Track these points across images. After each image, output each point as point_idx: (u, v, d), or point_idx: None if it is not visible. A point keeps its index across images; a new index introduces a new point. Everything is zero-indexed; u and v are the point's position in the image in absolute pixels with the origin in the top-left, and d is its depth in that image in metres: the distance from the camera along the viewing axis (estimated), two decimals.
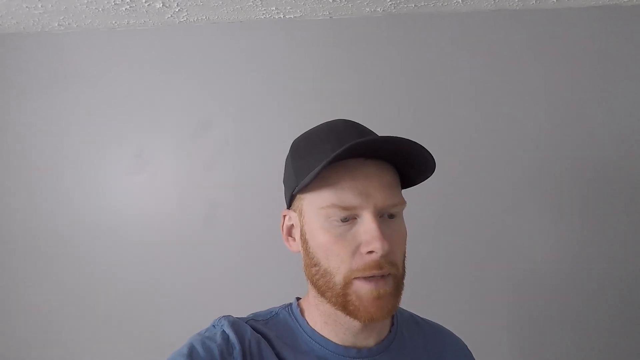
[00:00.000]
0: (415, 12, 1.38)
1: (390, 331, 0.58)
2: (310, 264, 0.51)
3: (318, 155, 0.50)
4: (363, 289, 0.46)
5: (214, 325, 0.53)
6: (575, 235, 1.32)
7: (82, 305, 1.41)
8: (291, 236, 0.57)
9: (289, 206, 0.57)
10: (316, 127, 0.57)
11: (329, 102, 1.41)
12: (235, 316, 0.56)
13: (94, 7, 1.33)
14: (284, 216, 0.58)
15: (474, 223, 1.35)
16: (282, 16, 1.42)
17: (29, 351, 1.41)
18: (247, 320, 0.55)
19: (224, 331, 0.51)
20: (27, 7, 1.32)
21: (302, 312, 0.57)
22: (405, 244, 0.53)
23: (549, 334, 1.31)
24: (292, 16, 1.42)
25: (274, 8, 1.36)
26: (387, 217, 0.50)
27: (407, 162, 0.51)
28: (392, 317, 0.59)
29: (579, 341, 1.30)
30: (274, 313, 0.58)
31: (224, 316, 0.55)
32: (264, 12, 1.38)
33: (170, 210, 1.40)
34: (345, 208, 0.47)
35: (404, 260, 0.52)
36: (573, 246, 1.32)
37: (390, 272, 0.47)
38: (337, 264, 0.48)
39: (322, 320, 0.54)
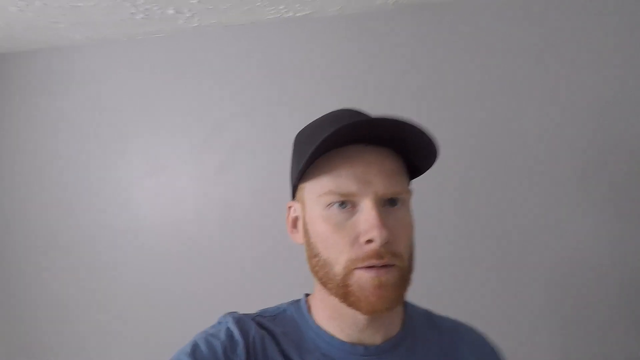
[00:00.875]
0: (426, 1, 1.32)
1: (401, 329, 0.54)
2: (311, 254, 0.50)
3: (315, 142, 0.47)
4: (363, 278, 0.44)
5: (219, 322, 0.53)
6: (612, 228, 1.20)
7: (99, 303, 1.46)
8: (296, 228, 0.55)
9: (293, 197, 0.56)
10: (321, 117, 0.56)
11: (343, 99, 1.38)
12: (242, 312, 0.55)
13: (112, 18, 1.39)
14: (289, 207, 0.57)
15: (511, 217, 1.26)
16: (292, 15, 1.41)
17: (50, 345, 1.48)
18: (254, 317, 0.54)
19: (228, 328, 0.51)
20: (52, 22, 1.41)
21: (309, 308, 0.55)
22: (412, 235, 0.49)
23: (589, 325, 1.19)
24: (302, 14, 1.41)
25: (283, 7, 1.35)
26: (390, 206, 0.47)
27: (409, 148, 0.49)
28: (404, 313, 0.56)
29: (616, 339, 1.17)
30: (281, 309, 0.57)
31: (229, 313, 0.54)
32: (273, 11, 1.38)
33: (186, 211, 1.42)
34: (343, 194, 0.46)
35: (411, 252, 0.49)
36: (610, 240, 1.20)
37: (393, 263, 0.45)
38: (336, 254, 0.46)
39: (328, 315, 0.52)
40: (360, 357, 0.50)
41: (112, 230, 1.46)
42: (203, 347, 0.48)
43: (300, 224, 0.54)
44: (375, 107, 1.24)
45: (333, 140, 0.45)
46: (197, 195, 1.43)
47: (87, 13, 1.34)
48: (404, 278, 0.47)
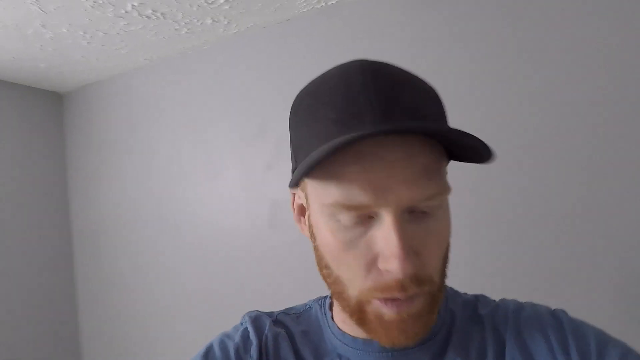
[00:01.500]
0: None
1: (435, 323, 0.44)
2: (321, 263, 0.42)
3: (318, 127, 0.37)
4: (382, 310, 0.36)
5: (241, 323, 0.52)
6: None
7: (164, 304, 1.58)
8: (303, 216, 0.46)
9: (295, 184, 0.43)
10: (326, 74, 0.41)
11: None
12: (266, 310, 0.54)
13: (161, 37, 1.50)
14: (293, 194, 0.47)
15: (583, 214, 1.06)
16: (323, 4, 1.37)
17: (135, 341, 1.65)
18: (277, 315, 0.52)
19: (245, 328, 0.50)
20: (115, 49, 1.57)
21: (331, 305, 0.50)
22: (447, 246, 0.39)
23: None
24: (333, 2, 1.36)
25: None
26: (419, 213, 0.37)
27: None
28: (442, 304, 0.46)
29: None
30: (307, 307, 0.53)
31: (249, 312, 0.53)
32: (304, 4, 1.36)
33: (238, 212, 1.48)
34: (353, 207, 0.35)
35: (444, 264, 0.39)
36: None
37: (420, 292, 0.36)
38: (349, 275, 0.38)
39: (341, 319, 0.47)
40: (377, 355, 0.43)
41: (176, 235, 1.58)
42: (216, 348, 0.48)
43: (306, 216, 0.45)
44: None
45: (347, 141, 0.32)
46: (248, 195, 1.47)
47: (139, 36, 1.47)
48: (434, 300, 0.38)
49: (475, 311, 0.47)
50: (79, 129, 1.94)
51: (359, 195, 0.34)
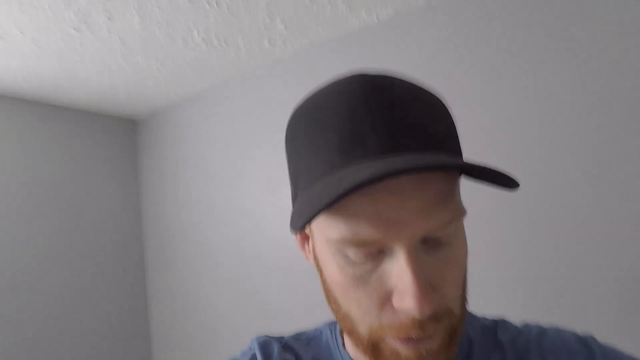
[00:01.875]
0: None
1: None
2: (329, 297, 0.38)
3: (319, 156, 0.34)
4: (398, 348, 0.33)
5: (249, 348, 0.51)
6: None
7: (230, 313, 1.66)
8: (307, 243, 0.42)
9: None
10: (324, 92, 0.37)
11: (447, 91, 1.30)
12: (276, 334, 0.53)
13: (223, 60, 1.63)
14: None
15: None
16: (375, 20, 1.41)
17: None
18: (287, 339, 0.51)
19: (254, 353, 0.49)
20: (182, 76, 1.72)
21: (342, 331, 0.47)
22: (465, 272, 0.36)
23: None
24: (385, 16, 1.39)
25: (364, 11, 1.36)
26: (433, 240, 0.34)
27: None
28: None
29: None
30: (318, 332, 0.51)
31: (258, 336, 0.53)
32: (356, 20, 1.40)
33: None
34: (362, 243, 0.32)
35: (463, 294, 0.36)
36: None
37: (439, 329, 0.33)
38: (360, 313, 0.34)
39: (353, 347, 0.44)
40: None
41: (240, 246, 1.67)
42: None
43: (310, 245, 0.41)
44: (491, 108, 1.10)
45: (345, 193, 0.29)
46: None
47: (204, 60, 1.60)
48: (455, 332, 0.34)
49: (495, 337, 0.44)
50: (151, 151, 2.13)
51: (368, 231, 0.31)
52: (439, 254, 0.33)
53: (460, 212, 0.33)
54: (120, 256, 2.05)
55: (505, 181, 0.33)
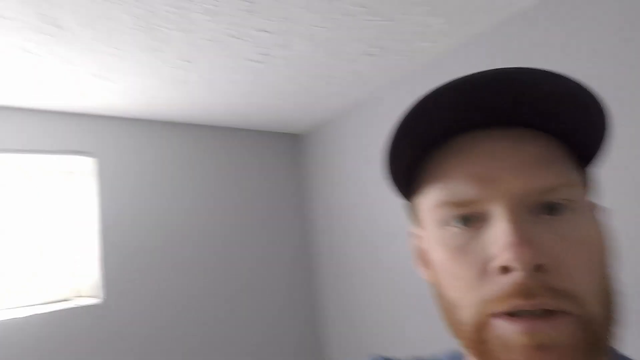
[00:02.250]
0: None
1: None
2: (437, 295, 0.36)
3: (402, 132, 0.34)
4: (507, 332, 0.28)
5: None
6: None
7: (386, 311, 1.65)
8: (423, 260, 0.41)
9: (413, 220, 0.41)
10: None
11: None
12: (392, 356, 0.54)
13: (379, 69, 1.65)
14: (413, 235, 0.44)
15: None
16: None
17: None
18: None
19: None
20: (340, 88, 1.81)
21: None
22: (598, 259, 0.29)
23: None
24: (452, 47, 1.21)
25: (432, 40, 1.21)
26: (547, 214, 0.30)
27: (565, 122, 0.31)
28: None
29: None
30: (437, 358, 0.47)
31: (373, 355, 0.53)
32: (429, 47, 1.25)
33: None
34: (459, 204, 0.31)
35: (603, 289, 0.29)
36: None
37: (560, 309, 0.27)
38: (462, 292, 0.31)
39: None
40: None
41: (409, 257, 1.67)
42: None
43: (421, 249, 0.40)
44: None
45: (429, 122, 0.31)
46: None
47: (361, 72, 1.66)
48: (594, 334, 0.27)
49: None
50: (315, 164, 2.30)
51: (463, 190, 0.31)
52: (553, 229, 0.29)
53: (572, 181, 0.30)
54: (293, 268, 2.25)
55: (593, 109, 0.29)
